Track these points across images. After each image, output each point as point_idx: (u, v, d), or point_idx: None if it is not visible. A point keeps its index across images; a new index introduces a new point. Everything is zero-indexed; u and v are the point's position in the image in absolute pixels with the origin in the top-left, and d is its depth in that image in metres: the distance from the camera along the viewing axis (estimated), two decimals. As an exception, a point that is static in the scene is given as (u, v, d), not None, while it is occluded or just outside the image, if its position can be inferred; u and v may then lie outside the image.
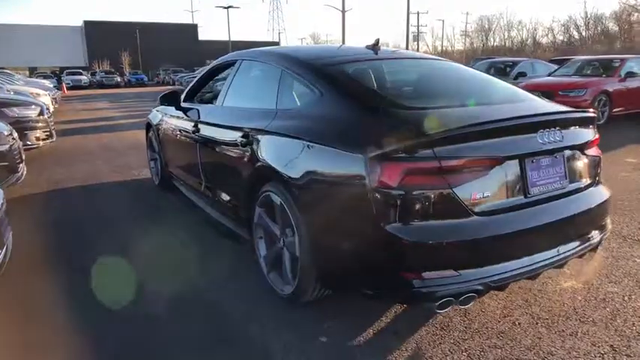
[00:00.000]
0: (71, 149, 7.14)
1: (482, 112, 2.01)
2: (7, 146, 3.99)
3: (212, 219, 3.21)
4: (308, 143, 2.04)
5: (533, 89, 7.59)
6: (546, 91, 8.12)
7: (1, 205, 2.34)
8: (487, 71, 11.19)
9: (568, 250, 1.99)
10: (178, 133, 3.70)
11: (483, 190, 1.78)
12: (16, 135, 4.31)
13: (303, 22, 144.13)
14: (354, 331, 2.08)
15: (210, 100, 3.66)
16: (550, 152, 1.96)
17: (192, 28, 59.57)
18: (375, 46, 2.77)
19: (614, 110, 8.66)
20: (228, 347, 2.01)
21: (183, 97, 3.77)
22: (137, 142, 7.26)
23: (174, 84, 30.18)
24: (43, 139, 6.24)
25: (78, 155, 6.64)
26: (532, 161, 1.91)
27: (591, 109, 2.27)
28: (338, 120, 2.04)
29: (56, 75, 36.64)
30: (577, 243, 2.05)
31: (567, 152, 2.05)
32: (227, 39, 44.65)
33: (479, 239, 1.73)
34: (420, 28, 53.47)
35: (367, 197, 1.74)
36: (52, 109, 9.61)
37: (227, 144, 2.80)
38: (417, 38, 51.07)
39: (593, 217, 2.13)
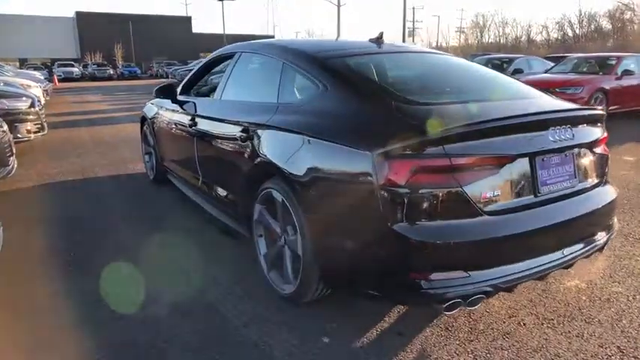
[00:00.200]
0: (63, 142, 7.01)
1: (492, 108, 1.96)
2: (-3, 139, 3.89)
3: (209, 215, 3.14)
4: (312, 139, 1.97)
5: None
6: (543, 88, 7.99)
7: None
8: (484, 67, 11.12)
9: (577, 251, 1.96)
10: (174, 127, 3.62)
11: (494, 188, 1.73)
12: (6, 127, 4.19)
13: (298, 17, 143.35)
14: (358, 332, 2.03)
15: (208, 94, 3.57)
16: (560, 150, 1.91)
17: (187, 21, 58.92)
18: (378, 40, 2.70)
19: (611, 108, 8.66)
20: (227, 350, 1.95)
21: (179, 90, 3.69)
22: (131, 136, 7.15)
23: (167, 77, 29.86)
24: (34, 132, 6.09)
25: (70, 149, 6.52)
26: (542, 159, 1.86)
27: (599, 107, 2.23)
28: (344, 115, 1.98)
29: (47, 67, 36.09)
30: (585, 243, 2.01)
31: (577, 150, 2.01)
32: (221, 32, 44.23)
33: (489, 239, 1.68)
34: (415, 23, 53.41)
35: (374, 195, 1.69)
36: (43, 101, 9.41)
37: (226, 138, 2.72)
38: (412, 34, 50.97)
39: (602, 217, 2.09)
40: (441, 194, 1.65)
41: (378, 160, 1.68)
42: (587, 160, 2.09)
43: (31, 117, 6.07)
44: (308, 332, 2.04)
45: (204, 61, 3.71)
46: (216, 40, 46.63)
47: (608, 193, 2.18)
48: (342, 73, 2.19)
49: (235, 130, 2.55)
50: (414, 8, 52.27)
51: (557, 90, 8.56)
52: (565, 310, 2.22)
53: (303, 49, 2.49)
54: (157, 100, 4.05)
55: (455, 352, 1.90)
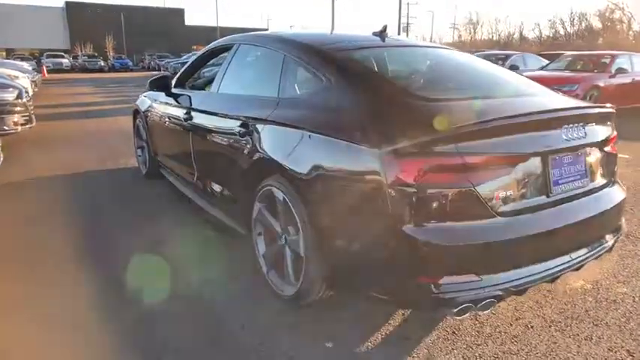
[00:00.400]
0: (52, 135, 6.83)
1: (503, 105, 1.89)
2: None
3: (204, 212, 3.04)
4: (316, 135, 1.89)
5: (528, 83, 7.52)
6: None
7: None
8: (479, 64, 11.10)
9: (587, 252, 1.91)
10: (168, 120, 3.51)
11: (507, 189, 1.66)
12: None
13: (292, 11, 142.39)
14: (362, 336, 1.96)
15: (204, 87, 3.47)
16: (573, 149, 1.86)
17: (179, 13, 58.22)
18: (382, 33, 2.62)
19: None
20: (223, 356, 1.86)
21: (173, 82, 3.57)
22: (122, 129, 7.00)
23: (160, 70, 29.48)
24: (22, 124, 5.92)
25: (59, 142, 6.36)
26: (555, 159, 1.80)
27: (609, 105, 2.17)
28: (349, 111, 1.89)
29: (35, 57, 35.40)
30: (596, 244, 1.96)
31: (588, 149, 1.96)
32: (215, 24, 43.76)
33: (502, 242, 1.62)
34: (409, 19, 53.23)
35: (383, 195, 1.61)
36: (31, 92, 9.19)
37: (223, 133, 2.63)
38: (406, 29, 50.84)
39: (612, 217, 2.04)
40: (453, 194, 1.58)
41: (387, 158, 1.60)
42: (597, 159, 2.04)
43: (18, 108, 5.89)
44: (310, 336, 1.97)
45: (199, 52, 3.60)
46: (210, 32, 46.21)
47: (618, 192, 2.13)
48: (348, 67, 2.11)
49: (234, 125, 2.45)
50: (408, 4, 52.07)
51: (553, 87, 8.59)
52: (572, 311, 2.17)
53: (306, 41, 2.40)
54: (151, 92, 3.93)
55: (462, 358, 1.84)
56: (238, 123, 2.42)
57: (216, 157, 2.77)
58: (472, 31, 61.77)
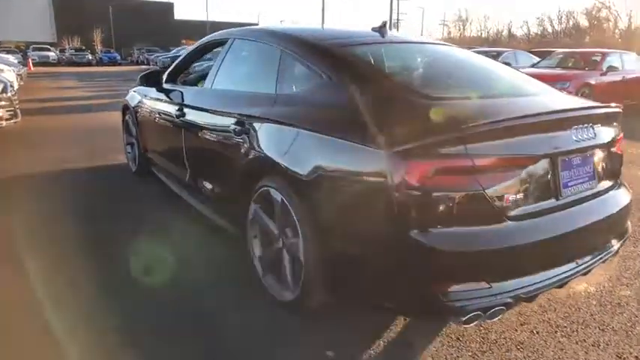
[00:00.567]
0: (38, 131, 6.64)
1: (512, 104, 1.82)
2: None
3: (196, 212, 2.94)
4: (318, 135, 1.80)
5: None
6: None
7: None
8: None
9: (596, 256, 1.85)
10: (159, 116, 3.39)
11: (517, 191, 1.60)
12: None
13: (283, 5, 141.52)
14: (364, 344, 1.88)
15: (196, 82, 3.36)
16: (582, 150, 1.80)
17: (168, 7, 57.50)
18: (382, 29, 2.53)
19: (597, 104, 8.73)
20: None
21: (165, 77, 3.46)
22: (111, 125, 6.81)
23: (149, 64, 29.07)
24: (7, 119, 5.74)
25: (45, 137, 6.17)
26: (564, 160, 1.74)
27: (614, 104, 2.12)
28: (351, 109, 1.80)
29: (21, 50, 34.67)
30: (603, 247, 1.91)
31: (596, 150, 1.90)
32: (204, 19, 43.25)
33: (513, 247, 1.55)
34: (399, 15, 53.22)
35: (389, 198, 1.53)
36: (16, 86, 8.94)
37: (217, 131, 2.52)
38: (396, 25, 50.81)
39: (619, 220, 1.99)
40: (462, 198, 1.51)
41: (394, 159, 1.52)
42: (604, 160, 1.98)
43: (2, 103, 5.72)
44: (309, 345, 1.88)
45: (192, 47, 3.48)
46: (199, 27, 45.69)
47: (624, 194, 2.08)
48: (349, 63, 2.02)
49: (228, 123, 2.35)
50: (398, 0, 52.00)
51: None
52: (577, 316, 2.12)
53: (304, 36, 2.31)
54: (141, 87, 3.80)
55: (468, 365, 1.78)
56: (233, 120, 2.32)
57: (209, 155, 2.67)
58: (461, 27, 61.98)
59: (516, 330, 2.01)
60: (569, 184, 1.77)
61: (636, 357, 1.84)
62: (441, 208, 1.51)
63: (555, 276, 1.68)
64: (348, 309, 2.11)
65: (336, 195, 1.74)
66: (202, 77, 3.17)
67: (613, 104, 2.10)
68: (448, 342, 1.91)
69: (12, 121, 5.87)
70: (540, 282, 1.63)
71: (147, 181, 4.01)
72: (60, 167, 4.60)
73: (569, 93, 8.54)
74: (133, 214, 3.36)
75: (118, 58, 38.65)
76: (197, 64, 3.94)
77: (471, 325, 1.59)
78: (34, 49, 33.64)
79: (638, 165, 5.04)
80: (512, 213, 1.59)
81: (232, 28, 2.98)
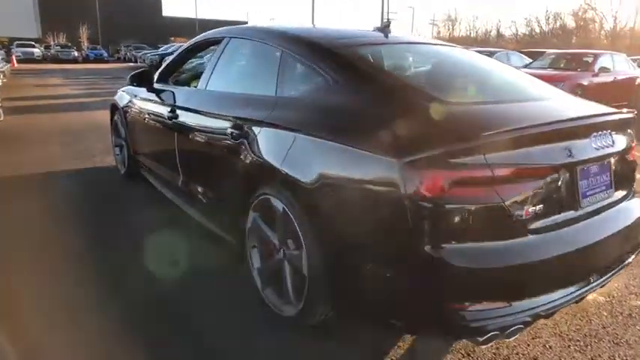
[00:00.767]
0: (22, 130, 6.41)
1: (529, 110, 1.73)
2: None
3: (189, 218, 2.81)
4: (322, 140, 1.69)
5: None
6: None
7: None
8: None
9: (613, 268, 1.77)
10: (147, 117, 3.25)
11: (537, 203, 1.51)
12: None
13: (271, 4, 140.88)
14: (368, 359, 1.79)
15: (189, 83, 3.22)
16: (601, 158, 1.71)
17: (156, 3, 56.77)
18: (385, 29, 2.43)
19: (589, 105, 8.76)
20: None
21: (156, 77, 3.31)
22: (98, 124, 6.62)
23: (136, 61, 28.58)
24: (-11, 119, 5.53)
25: (29, 137, 5.95)
26: (583, 169, 1.66)
27: (626, 109, 2.04)
28: (358, 114, 1.69)
29: (5, 46, 33.88)
30: (620, 259, 1.83)
31: (613, 158, 1.82)
32: (193, 16, 42.79)
33: (534, 262, 1.46)
34: (390, 15, 53.23)
35: (401, 211, 1.43)
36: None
37: (213, 135, 2.40)
38: (387, 25, 50.82)
39: (635, 230, 1.92)
40: (481, 210, 1.41)
41: (407, 169, 1.42)
42: (621, 168, 1.91)
43: (-16, 102, 5.50)
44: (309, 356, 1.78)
45: (185, 45, 3.34)
46: (188, 24, 45.20)
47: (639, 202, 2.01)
48: (355, 65, 1.91)
49: (225, 126, 2.23)
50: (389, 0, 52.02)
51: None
52: (589, 328, 2.05)
53: (306, 36, 2.19)
54: (131, 87, 3.64)
55: (481, 384, 1.69)
56: (230, 124, 2.20)
57: (204, 160, 2.54)
58: (450, 27, 62.26)
59: (529, 345, 1.92)
60: (588, 193, 1.69)
61: (654, 373, 1.78)
62: (458, 221, 1.41)
63: (576, 291, 1.59)
64: (352, 323, 2.00)
65: (344, 206, 1.63)
66: (195, 77, 3.03)
67: (625, 110, 2.03)
68: (459, 358, 1.82)
69: (-6, 120, 5.66)
70: (560, 298, 1.55)
71: (136, 184, 3.86)
72: (43, 169, 4.42)
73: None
74: (120, 219, 3.21)
75: (105, 55, 37.98)
76: (190, 63, 3.79)
77: (489, 344, 1.51)
78: (18, 45, 32.85)
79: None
80: (533, 226, 1.50)
81: (228, 27, 2.85)
